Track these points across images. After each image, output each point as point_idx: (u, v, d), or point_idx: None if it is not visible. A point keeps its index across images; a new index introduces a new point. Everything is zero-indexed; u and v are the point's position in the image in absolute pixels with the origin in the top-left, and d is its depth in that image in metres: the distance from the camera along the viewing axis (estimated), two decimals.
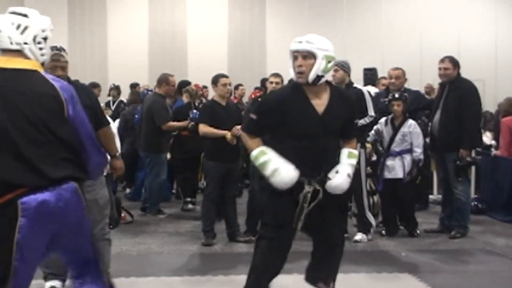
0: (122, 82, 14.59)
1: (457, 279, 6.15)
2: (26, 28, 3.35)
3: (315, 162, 4.44)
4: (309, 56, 4.38)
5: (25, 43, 3.32)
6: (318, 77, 4.40)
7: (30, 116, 3.24)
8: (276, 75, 7.99)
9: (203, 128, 7.59)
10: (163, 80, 9.27)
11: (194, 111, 8.81)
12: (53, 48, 5.16)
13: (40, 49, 3.39)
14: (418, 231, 8.06)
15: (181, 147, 9.54)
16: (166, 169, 9.27)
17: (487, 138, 10.31)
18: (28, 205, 3.19)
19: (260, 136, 4.56)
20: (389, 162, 7.98)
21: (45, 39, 3.42)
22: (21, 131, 3.21)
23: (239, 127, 7.48)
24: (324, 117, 4.45)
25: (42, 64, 3.49)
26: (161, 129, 8.95)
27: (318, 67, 4.36)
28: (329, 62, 4.41)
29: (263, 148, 4.45)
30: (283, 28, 19.29)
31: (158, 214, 9.33)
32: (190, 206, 9.93)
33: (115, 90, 13.77)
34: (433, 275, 6.23)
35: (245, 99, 13.27)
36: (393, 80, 8.48)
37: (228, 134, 7.33)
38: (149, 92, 10.62)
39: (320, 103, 4.48)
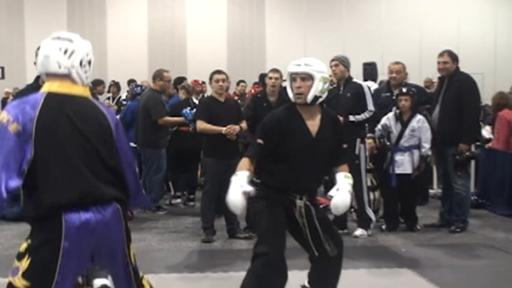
0: (121, 79, 14.60)
1: (457, 274, 6.16)
2: (72, 52, 3.42)
3: (305, 180, 4.57)
4: (308, 78, 4.51)
5: (72, 67, 3.39)
6: (316, 98, 4.52)
7: (85, 139, 3.30)
8: (275, 70, 7.98)
9: (200, 125, 7.59)
10: (157, 75, 9.32)
11: (188, 109, 8.82)
12: None
13: (85, 72, 3.45)
14: (418, 226, 8.07)
15: (177, 143, 9.53)
16: (165, 165, 9.26)
17: (486, 131, 10.29)
18: (72, 224, 3.18)
19: (259, 159, 4.59)
20: (397, 157, 7.96)
21: (89, 62, 3.49)
22: (78, 151, 3.27)
23: (235, 126, 7.48)
24: (317, 137, 4.56)
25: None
26: (157, 123, 8.95)
27: (316, 88, 4.49)
28: (325, 83, 4.56)
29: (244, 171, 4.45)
30: (282, 24, 19.29)
31: (158, 211, 9.33)
32: (179, 200, 9.97)
33: (115, 86, 13.76)
34: (433, 270, 6.24)
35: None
36: (394, 75, 8.46)
37: (223, 130, 7.35)
38: (138, 88, 10.65)
39: (313, 123, 4.60)
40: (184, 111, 8.83)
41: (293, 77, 4.56)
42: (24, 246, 3.24)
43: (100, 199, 3.26)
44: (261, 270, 4.42)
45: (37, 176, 3.17)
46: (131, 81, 14.33)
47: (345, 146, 4.84)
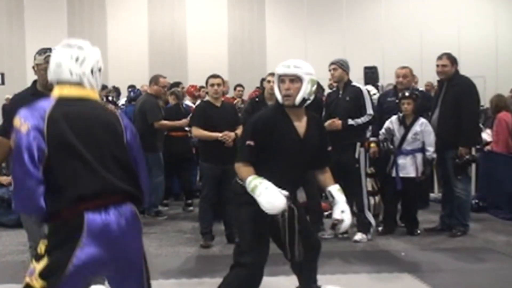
0: (122, 84, 14.64)
1: (457, 278, 6.10)
2: (84, 60, 3.47)
3: (290, 180, 4.57)
4: (296, 80, 4.53)
5: (84, 75, 3.45)
6: (304, 100, 4.55)
7: (97, 139, 3.36)
8: (274, 74, 7.93)
9: (195, 132, 7.56)
10: (153, 80, 9.37)
11: None
12: (47, 50, 5.16)
13: (96, 79, 3.50)
14: (418, 231, 8.02)
15: (168, 148, 9.48)
16: (163, 169, 9.23)
17: (487, 135, 10.25)
18: (95, 224, 3.19)
19: (253, 162, 4.54)
20: (400, 160, 7.91)
21: (99, 70, 3.54)
22: (91, 150, 3.31)
23: (230, 133, 7.44)
24: (304, 139, 4.61)
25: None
26: (153, 127, 8.92)
27: (304, 90, 4.53)
28: (313, 85, 4.58)
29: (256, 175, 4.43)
30: (282, 27, 19.29)
31: (157, 216, 9.28)
32: (166, 208, 9.93)
33: (114, 91, 13.77)
34: (433, 274, 6.19)
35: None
36: (400, 79, 8.42)
37: (219, 136, 7.32)
38: (132, 93, 10.65)
39: (301, 125, 4.63)
40: None
41: (282, 78, 4.57)
42: (41, 247, 3.24)
43: (119, 194, 3.30)
44: (243, 280, 4.48)
45: (56, 173, 3.21)
46: (130, 87, 14.33)
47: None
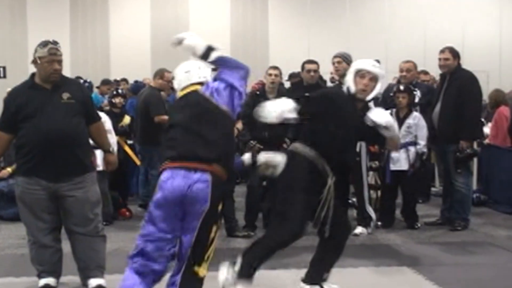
0: (124, 77, 14.57)
1: (457, 272, 6.09)
2: (203, 68, 4.68)
3: (343, 159, 5.15)
4: (374, 79, 4.97)
5: (205, 77, 4.64)
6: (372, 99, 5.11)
7: (194, 117, 4.35)
8: (275, 67, 7.98)
9: None
10: (158, 73, 9.37)
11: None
12: (48, 42, 5.15)
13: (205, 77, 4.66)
14: (418, 224, 8.00)
15: None
16: None
17: (489, 129, 10.23)
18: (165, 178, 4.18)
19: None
20: (393, 154, 7.91)
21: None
22: (191, 125, 4.32)
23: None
24: (360, 124, 4.97)
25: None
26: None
27: (377, 90, 5.03)
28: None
29: None
30: (285, 22, 19.22)
31: None
32: None
33: (118, 85, 13.72)
34: (432, 268, 6.17)
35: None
36: (404, 73, 8.41)
37: None
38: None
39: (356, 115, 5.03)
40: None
41: (363, 73, 4.95)
42: None
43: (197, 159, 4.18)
44: (287, 240, 4.80)
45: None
46: (136, 82, 14.26)
47: None
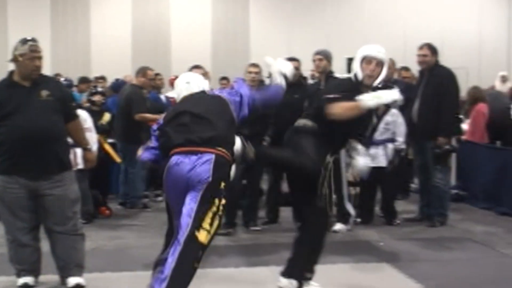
0: (105, 75, 14.50)
1: (436, 268, 6.14)
2: (202, 80, 4.97)
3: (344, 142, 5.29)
4: (380, 64, 5.02)
5: (203, 88, 4.85)
6: (378, 85, 5.07)
7: (199, 109, 4.57)
8: (255, 65, 7.97)
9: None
10: (140, 71, 9.31)
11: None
12: (28, 40, 5.13)
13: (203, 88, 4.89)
14: (398, 221, 8.05)
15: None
16: None
17: (467, 126, 10.31)
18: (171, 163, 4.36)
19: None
20: (372, 150, 7.92)
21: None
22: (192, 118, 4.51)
23: None
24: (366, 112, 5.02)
25: None
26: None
27: (383, 75, 5.06)
28: None
29: None
30: (266, 19, 19.25)
31: (144, 208, 9.22)
32: (147, 200, 9.78)
33: (104, 81, 13.62)
34: (411, 264, 6.21)
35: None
36: None
37: None
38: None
39: None
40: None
41: (369, 59, 4.99)
42: None
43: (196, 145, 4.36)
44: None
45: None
46: (116, 80, 14.17)
47: None
